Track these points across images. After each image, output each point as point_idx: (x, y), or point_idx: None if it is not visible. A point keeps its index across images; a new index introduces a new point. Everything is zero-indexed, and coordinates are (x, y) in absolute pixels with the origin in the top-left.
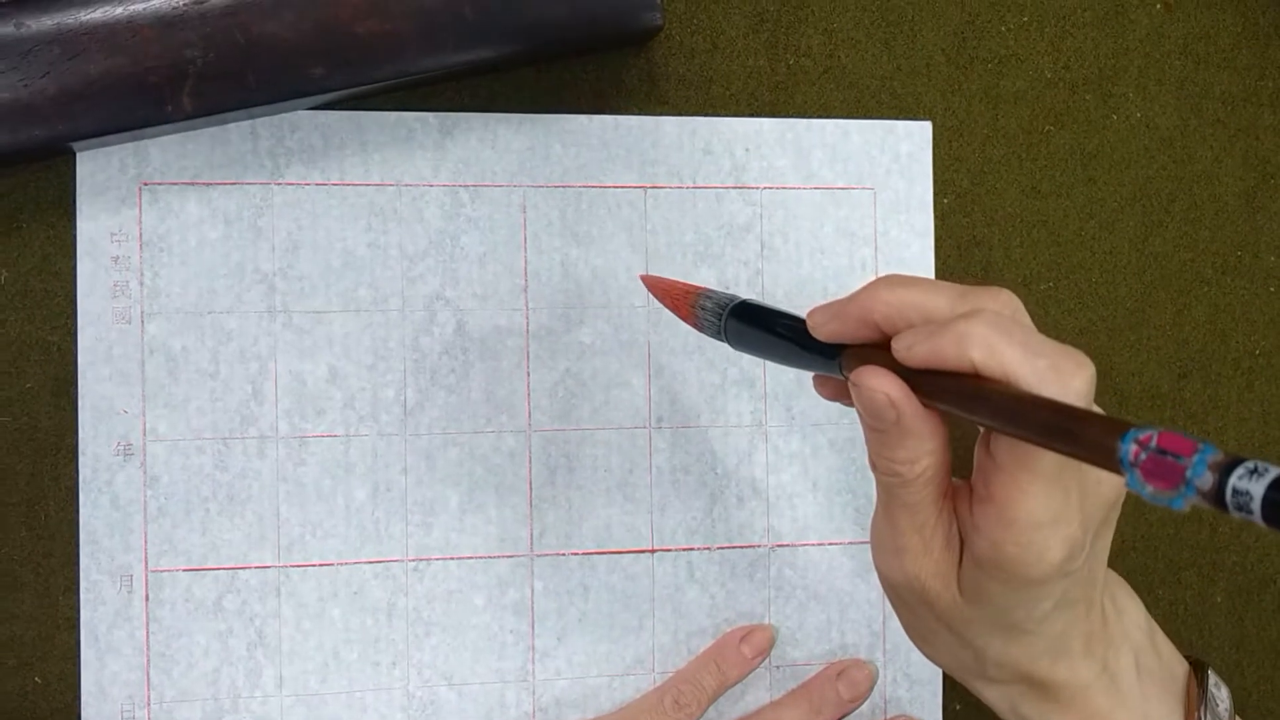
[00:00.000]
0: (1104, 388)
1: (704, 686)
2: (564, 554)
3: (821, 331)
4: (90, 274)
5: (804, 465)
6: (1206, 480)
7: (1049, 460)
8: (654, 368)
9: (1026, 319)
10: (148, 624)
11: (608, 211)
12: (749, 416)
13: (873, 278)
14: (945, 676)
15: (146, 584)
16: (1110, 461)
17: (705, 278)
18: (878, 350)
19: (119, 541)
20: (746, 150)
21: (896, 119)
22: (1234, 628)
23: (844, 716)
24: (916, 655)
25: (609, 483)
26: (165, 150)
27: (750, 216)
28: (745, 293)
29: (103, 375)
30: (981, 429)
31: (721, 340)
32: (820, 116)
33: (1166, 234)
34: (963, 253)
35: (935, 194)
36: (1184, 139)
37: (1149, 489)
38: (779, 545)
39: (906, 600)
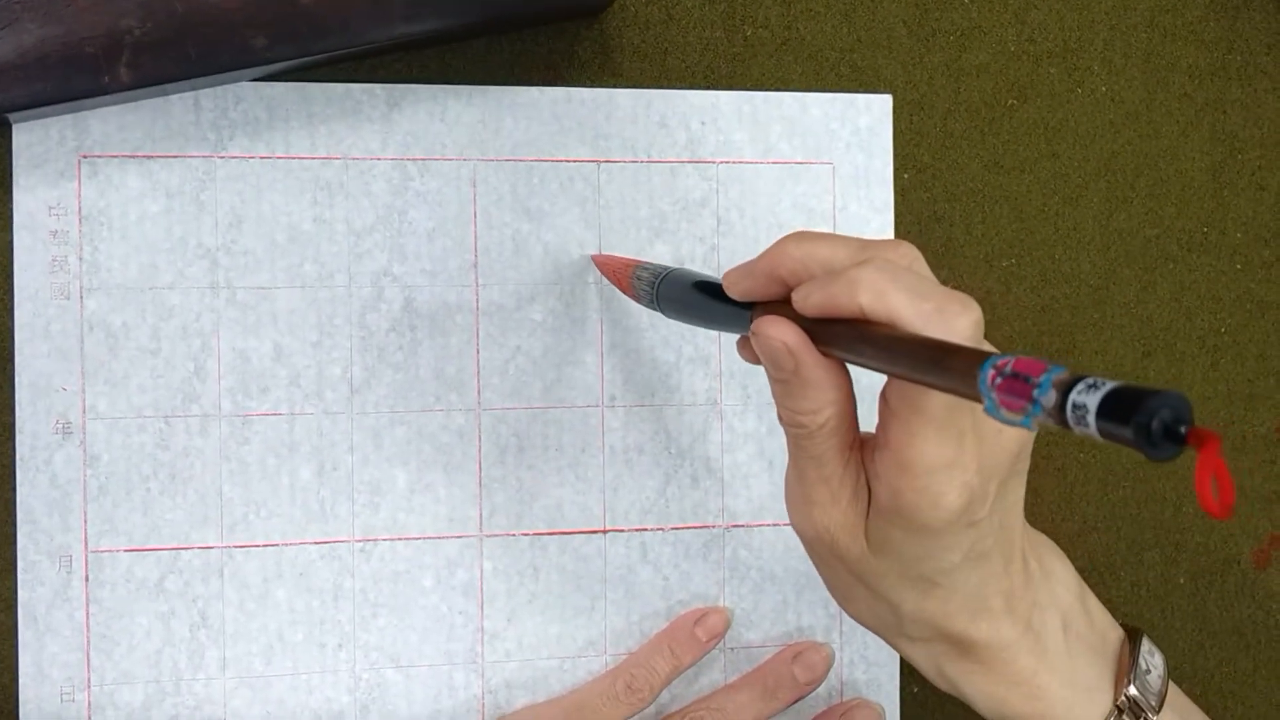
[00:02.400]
0: (1066, 365)
1: (657, 670)
2: (514, 534)
3: (735, 290)
4: (28, 248)
5: (760, 444)
6: (1050, 398)
7: (938, 404)
8: (607, 345)
9: (924, 269)
10: (88, 605)
11: (560, 186)
12: (704, 395)
13: None
14: (902, 659)
15: (86, 564)
16: (973, 389)
17: (660, 254)
18: (786, 305)
19: (58, 521)
20: (702, 123)
21: (856, 92)
22: (1197, 609)
23: (800, 699)
24: (874, 638)
25: (560, 462)
26: (105, 122)
27: (706, 191)
28: (700, 269)
29: (40, 352)
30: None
31: (655, 309)
32: (778, 89)
33: (1131, 210)
34: (923, 229)
35: (895, 169)
36: (1150, 113)
37: (1003, 412)
38: (734, 526)
39: (820, 554)
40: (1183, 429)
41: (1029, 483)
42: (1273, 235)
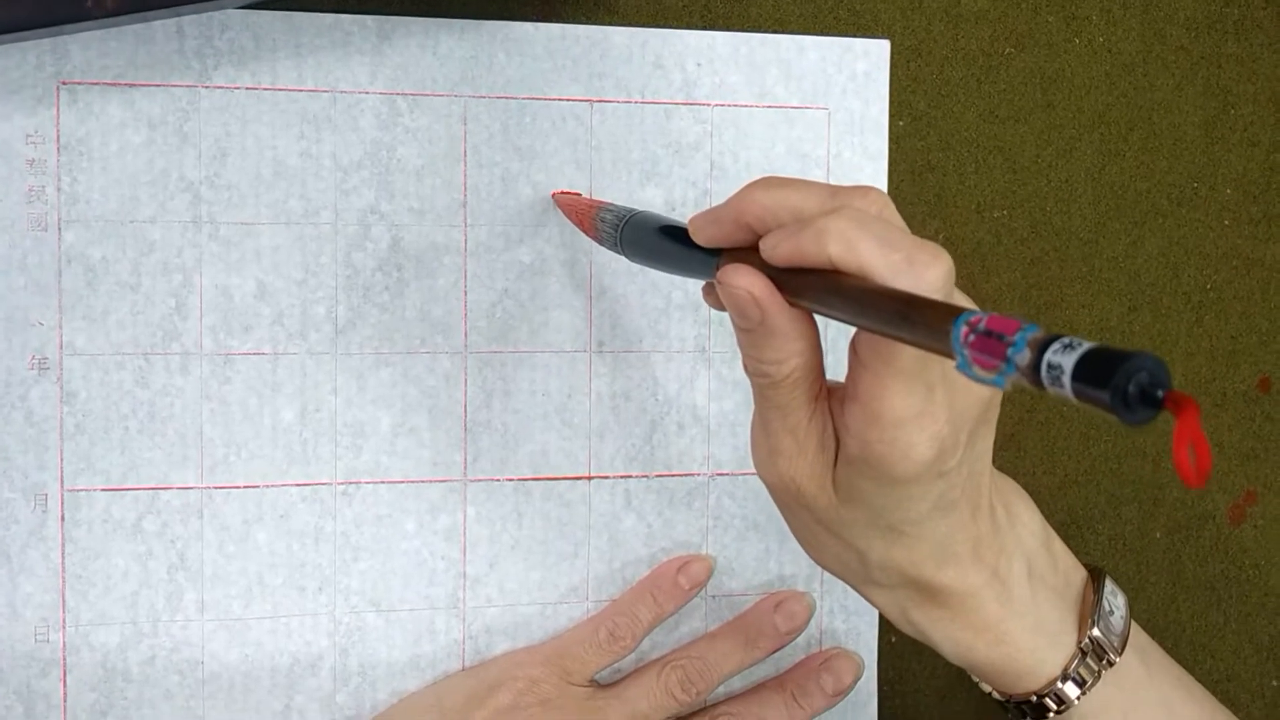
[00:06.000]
0: (1053, 319)
1: (639, 618)
2: (498, 480)
3: (700, 236)
4: (3, 177)
5: (747, 393)
6: (1025, 357)
7: (908, 356)
8: (596, 289)
9: (894, 216)
10: (63, 545)
11: (552, 125)
12: (692, 342)
13: None
14: None
15: (62, 503)
16: (945, 345)
17: (651, 197)
18: (752, 253)
19: (33, 459)
20: (698, 65)
21: (854, 36)
22: (1172, 563)
23: (780, 648)
24: None
25: (546, 407)
26: (86, 47)
27: (700, 134)
28: (692, 214)
29: (16, 285)
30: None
31: (619, 252)
32: (776, 31)
33: (1124, 163)
34: (916, 177)
35: (891, 116)
36: (1145, 65)
37: (976, 370)
38: (719, 474)
39: (786, 503)
40: (1160, 393)
41: (1011, 437)
42: (1262, 191)
